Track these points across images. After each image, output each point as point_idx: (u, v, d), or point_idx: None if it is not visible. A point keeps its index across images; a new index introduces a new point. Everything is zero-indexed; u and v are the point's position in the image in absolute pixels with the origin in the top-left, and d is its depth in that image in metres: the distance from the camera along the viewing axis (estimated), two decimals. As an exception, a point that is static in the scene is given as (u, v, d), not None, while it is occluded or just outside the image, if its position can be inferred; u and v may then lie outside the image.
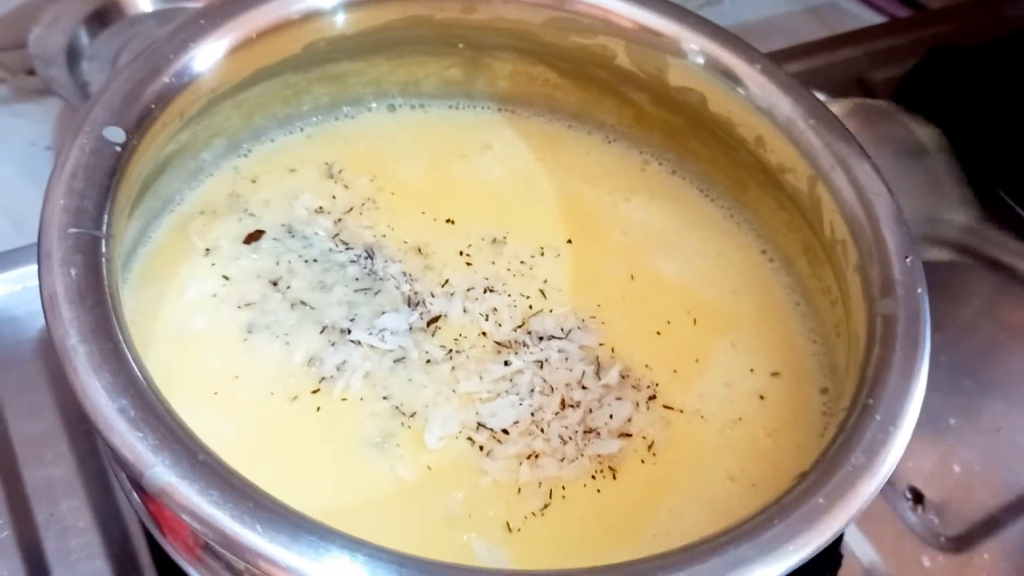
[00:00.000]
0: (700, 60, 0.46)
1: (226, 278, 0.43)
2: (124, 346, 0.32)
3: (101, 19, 0.67)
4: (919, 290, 0.39)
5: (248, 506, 0.29)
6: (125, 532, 0.45)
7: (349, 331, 0.43)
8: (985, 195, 0.68)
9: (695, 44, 0.46)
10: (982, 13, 0.81)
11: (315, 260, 0.45)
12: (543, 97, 0.53)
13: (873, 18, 0.87)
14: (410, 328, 0.43)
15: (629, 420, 0.42)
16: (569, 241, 0.48)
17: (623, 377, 0.43)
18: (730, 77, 0.45)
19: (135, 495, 0.39)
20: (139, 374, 0.31)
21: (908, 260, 0.39)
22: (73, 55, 0.64)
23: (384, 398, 0.41)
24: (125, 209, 0.38)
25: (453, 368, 0.42)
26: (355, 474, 0.39)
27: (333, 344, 0.42)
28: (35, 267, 0.33)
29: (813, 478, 0.33)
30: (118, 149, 0.37)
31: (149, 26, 0.67)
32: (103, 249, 0.34)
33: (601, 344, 0.45)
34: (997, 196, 0.68)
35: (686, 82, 0.47)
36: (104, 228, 0.35)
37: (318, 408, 0.40)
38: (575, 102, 0.52)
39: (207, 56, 0.41)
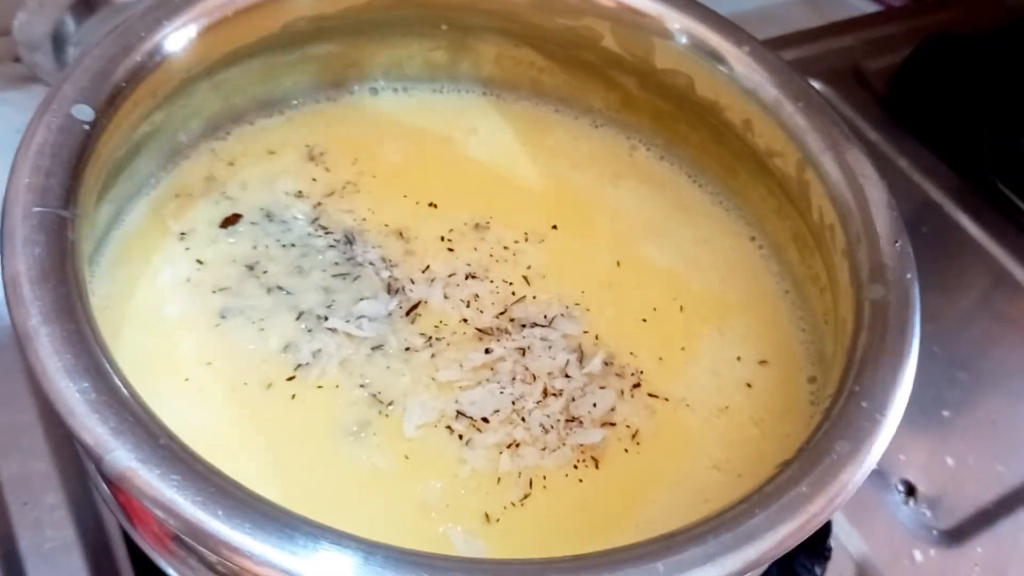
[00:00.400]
0: (687, 41, 0.45)
1: (200, 262, 0.43)
2: (87, 328, 0.31)
3: (87, 5, 0.66)
4: (908, 275, 0.38)
5: (210, 491, 0.28)
6: (100, 522, 0.44)
7: (326, 318, 0.42)
8: (982, 185, 0.67)
9: (681, 25, 0.45)
10: (978, 1, 0.81)
11: (293, 245, 0.44)
12: (529, 81, 0.52)
13: (869, 7, 0.86)
14: (389, 315, 0.42)
15: (613, 409, 0.41)
16: (554, 227, 0.47)
17: (607, 365, 0.42)
18: (717, 59, 0.45)
19: (103, 485, 0.38)
20: (102, 357, 0.30)
21: (898, 245, 0.38)
22: (59, 41, 0.63)
23: (361, 386, 0.40)
24: (94, 190, 0.37)
25: (433, 355, 0.41)
26: (330, 463, 0.38)
27: (310, 331, 0.41)
28: (12, 254, 0.32)
29: (797, 466, 0.32)
30: (87, 128, 0.36)
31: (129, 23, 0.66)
32: (68, 229, 0.33)
33: (585, 332, 0.44)
34: (994, 186, 0.67)
35: (673, 64, 0.46)
36: (70, 208, 0.34)
37: (293, 396, 0.39)
38: (562, 86, 0.52)
39: (181, 34, 0.40)
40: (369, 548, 0.28)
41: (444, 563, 0.28)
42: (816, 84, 0.70)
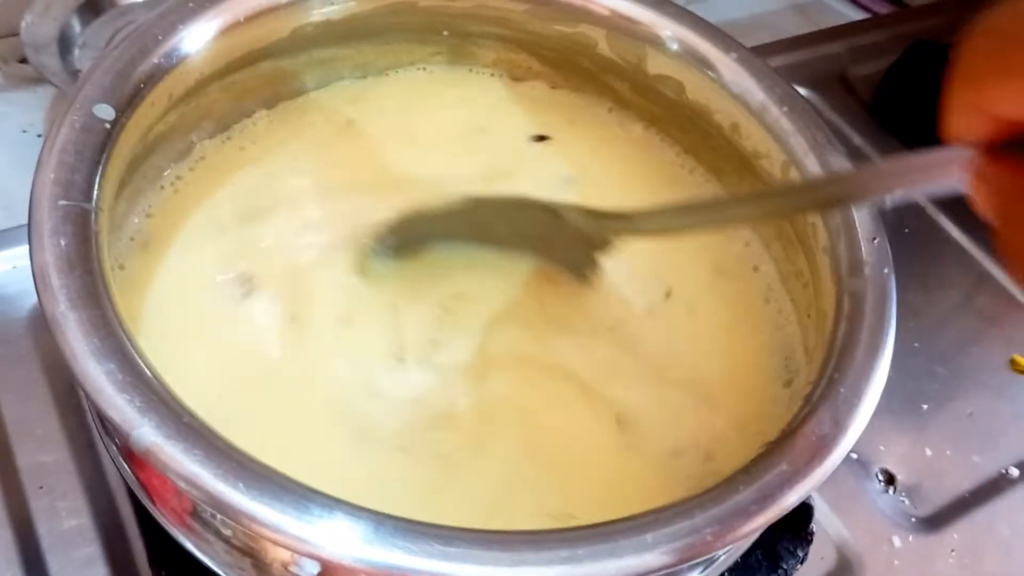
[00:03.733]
0: (677, 48, 0.47)
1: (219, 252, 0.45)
2: (112, 313, 0.33)
3: (93, 7, 0.67)
4: (886, 270, 0.40)
5: (231, 465, 0.30)
6: (114, 506, 0.46)
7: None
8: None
9: (672, 32, 0.47)
10: (962, 9, 0.82)
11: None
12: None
13: (858, 16, 0.88)
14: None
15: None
16: None
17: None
18: (706, 65, 0.47)
19: (124, 465, 0.40)
20: (126, 340, 0.32)
21: (876, 241, 0.41)
22: (65, 43, 0.65)
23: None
24: (114, 185, 0.39)
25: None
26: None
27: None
28: (26, 248, 0.34)
29: (778, 447, 0.34)
30: (107, 126, 0.38)
31: (140, 15, 0.67)
32: (92, 221, 0.35)
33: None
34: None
35: (664, 70, 0.48)
36: (94, 201, 0.36)
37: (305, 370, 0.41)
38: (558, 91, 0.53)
39: (196, 38, 0.42)
40: (379, 518, 0.30)
41: (450, 532, 0.30)
42: (803, 90, 0.72)
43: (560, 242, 0.43)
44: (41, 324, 0.50)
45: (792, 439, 0.34)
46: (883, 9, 0.87)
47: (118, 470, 0.42)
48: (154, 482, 0.37)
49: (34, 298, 0.33)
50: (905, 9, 0.87)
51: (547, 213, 0.42)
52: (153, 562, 0.43)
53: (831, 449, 0.34)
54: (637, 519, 0.32)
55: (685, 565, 0.35)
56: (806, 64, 0.77)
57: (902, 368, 0.56)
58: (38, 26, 0.64)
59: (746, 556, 0.46)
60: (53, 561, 0.44)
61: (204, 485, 0.29)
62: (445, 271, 0.45)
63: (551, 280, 0.45)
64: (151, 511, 0.38)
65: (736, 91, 0.46)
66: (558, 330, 0.44)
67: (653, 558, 0.31)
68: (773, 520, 0.33)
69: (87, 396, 0.31)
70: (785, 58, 0.76)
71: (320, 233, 0.46)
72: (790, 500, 0.33)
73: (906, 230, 0.67)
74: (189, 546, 0.37)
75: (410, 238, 0.45)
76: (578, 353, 0.43)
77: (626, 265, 0.45)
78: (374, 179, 0.47)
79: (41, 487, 0.46)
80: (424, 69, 0.53)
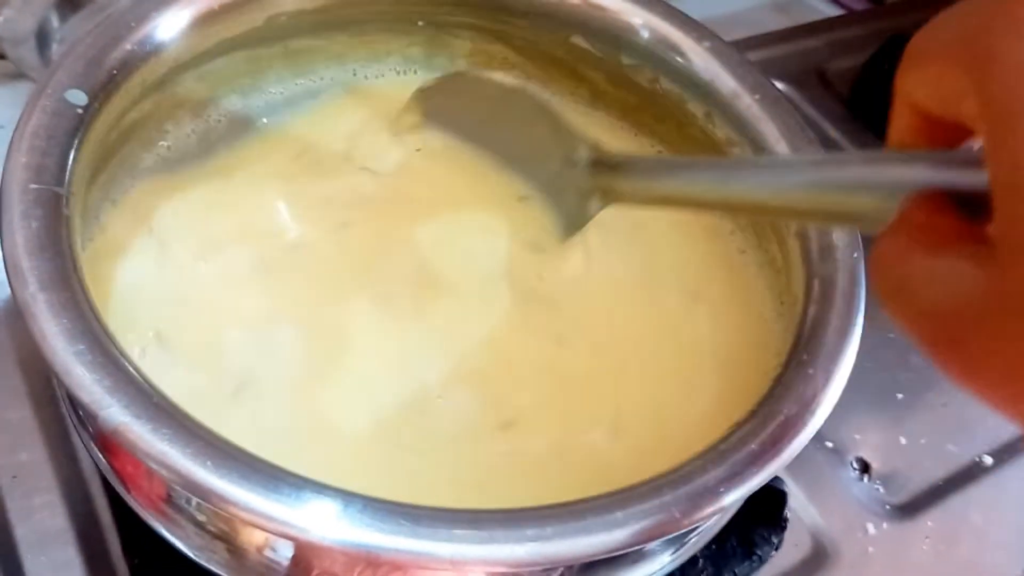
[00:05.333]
0: (650, 37, 0.48)
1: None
2: (82, 295, 0.33)
3: (71, 3, 0.67)
4: (855, 254, 0.40)
5: (200, 445, 0.30)
6: (88, 495, 0.46)
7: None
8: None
9: (645, 21, 0.47)
10: (935, 7, 0.83)
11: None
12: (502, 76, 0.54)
13: (835, 13, 0.88)
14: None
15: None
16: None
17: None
18: (679, 54, 0.47)
19: (97, 452, 0.40)
20: (96, 322, 0.32)
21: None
22: (43, 38, 0.65)
23: None
24: (87, 171, 0.39)
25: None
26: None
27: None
28: (-1, 241, 0.34)
29: (748, 427, 0.34)
30: (80, 111, 0.38)
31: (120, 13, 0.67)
32: (63, 205, 0.35)
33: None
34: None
35: (638, 59, 0.49)
36: (65, 185, 0.36)
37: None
38: (533, 81, 0.54)
39: (170, 26, 0.42)
40: (348, 497, 0.30)
41: (420, 511, 0.30)
42: (780, 85, 0.73)
43: (564, 186, 0.43)
44: (16, 317, 0.50)
45: (761, 419, 0.35)
46: (858, 4, 0.88)
47: (92, 459, 0.42)
48: (127, 468, 0.37)
49: (8, 290, 0.33)
50: (881, 6, 0.88)
51: (564, 139, 0.43)
52: (127, 550, 0.43)
53: (799, 429, 0.34)
54: (607, 497, 0.32)
55: (655, 544, 0.35)
56: (783, 59, 0.77)
57: (877, 358, 0.56)
58: (16, 21, 0.64)
59: (721, 543, 0.46)
60: (27, 553, 0.44)
61: (173, 464, 0.30)
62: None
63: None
64: (124, 497, 0.38)
65: (708, 79, 0.46)
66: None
67: (622, 534, 0.31)
68: (741, 498, 0.33)
69: (57, 378, 0.31)
70: (763, 53, 0.77)
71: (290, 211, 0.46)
72: (758, 479, 0.33)
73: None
74: (163, 532, 0.37)
75: (443, 111, 0.47)
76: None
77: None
78: (339, 163, 0.48)
79: (15, 477, 0.46)
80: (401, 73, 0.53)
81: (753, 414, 0.35)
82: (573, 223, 0.44)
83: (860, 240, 0.41)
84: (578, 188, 0.42)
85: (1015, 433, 0.58)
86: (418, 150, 0.49)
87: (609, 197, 0.41)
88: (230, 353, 0.41)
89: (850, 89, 0.76)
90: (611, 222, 0.44)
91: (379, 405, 0.40)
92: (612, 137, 0.52)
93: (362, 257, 0.45)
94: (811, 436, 0.34)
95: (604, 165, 0.41)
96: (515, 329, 0.43)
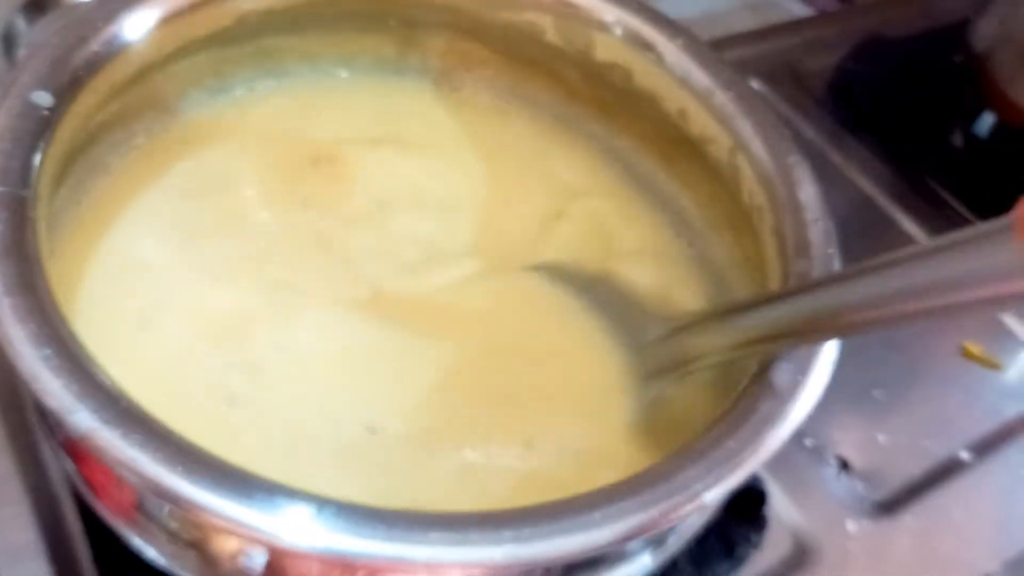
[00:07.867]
0: (622, 34, 0.47)
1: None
2: (48, 299, 0.32)
3: (38, 6, 0.66)
4: (830, 250, 0.40)
5: (170, 450, 0.29)
6: (58, 506, 0.45)
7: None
8: (913, 180, 0.70)
9: (618, 19, 0.47)
10: (906, 7, 0.84)
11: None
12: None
13: (807, 13, 0.89)
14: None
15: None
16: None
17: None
18: (652, 51, 0.47)
19: (67, 460, 0.39)
20: (63, 327, 0.32)
21: (820, 222, 0.41)
22: (9, 41, 0.64)
23: None
24: (54, 173, 0.38)
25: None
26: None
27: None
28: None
29: (724, 425, 0.34)
30: (46, 113, 0.37)
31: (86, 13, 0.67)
32: (29, 208, 0.35)
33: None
34: (924, 181, 0.71)
35: (612, 57, 0.48)
36: (31, 188, 0.35)
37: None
38: (507, 80, 0.53)
39: (137, 25, 0.41)
40: (321, 502, 0.29)
41: (392, 515, 0.30)
42: (755, 84, 0.73)
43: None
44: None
45: (738, 416, 0.34)
46: (830, 5, 0.88)
47: (61, 468, 0.41)
48: (97, 476, 0.36)
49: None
50: (854, 5, 0.88)
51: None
52: (98, 562, 0.42)
53: (777, 426, 0.34)
54: (584, 497, 0.31)
55: (635, 544, 0.35)
56: (758, 58, 0.77)
57: (856, 356, 0.55)
58: (-19, 25, 0.63)
59: (701, 543, 0.46)
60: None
61: (143, 470, 0.29)
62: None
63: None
64: (94, 507, 0.38)
65: (681, 75, 0.46)
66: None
67: (601, 535, 0.30)
68: (720, 497, 0.33)
69: (25, 384, 0.31)
70: (737, 52, 0.77)
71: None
72: (736, 476, 0.33)
73: (857, 222, 0.68)
74: (134, 541, 0.36)
75: None
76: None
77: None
78: (315, 157, 0.47)
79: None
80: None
81: (731, 411, 0.35)
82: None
83: (835, 237, 0.41)
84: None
85: (992, 429, 0.58)
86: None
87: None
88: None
89: (824, 88, 0.76)
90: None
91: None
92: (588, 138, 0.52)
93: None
94: (790, 433, 0.34)
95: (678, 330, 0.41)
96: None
